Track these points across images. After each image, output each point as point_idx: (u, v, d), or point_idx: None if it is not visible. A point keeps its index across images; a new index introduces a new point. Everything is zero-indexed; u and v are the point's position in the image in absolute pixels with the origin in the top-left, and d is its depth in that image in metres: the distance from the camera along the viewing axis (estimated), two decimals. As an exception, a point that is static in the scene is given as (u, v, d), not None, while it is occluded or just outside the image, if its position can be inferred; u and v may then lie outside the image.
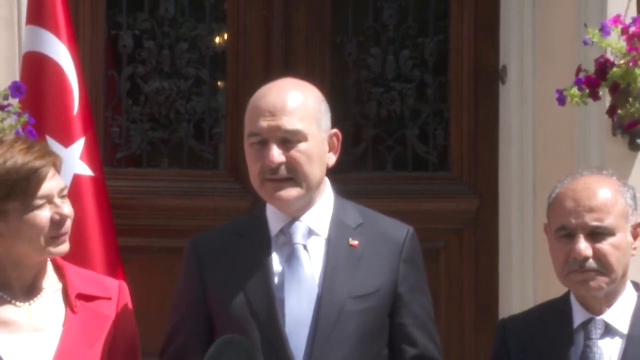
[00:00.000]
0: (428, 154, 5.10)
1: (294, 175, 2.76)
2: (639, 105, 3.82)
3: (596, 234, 2.69)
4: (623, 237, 2.72)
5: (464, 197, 5.04)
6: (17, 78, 4.32)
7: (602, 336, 2.73)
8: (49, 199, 2.70)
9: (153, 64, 5.02)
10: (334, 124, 2.88)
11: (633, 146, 4.15)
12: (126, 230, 4.66)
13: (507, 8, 4.88)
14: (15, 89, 4.01)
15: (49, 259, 2.80)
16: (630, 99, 3.81)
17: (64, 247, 2.75)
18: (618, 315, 2.75)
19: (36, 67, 4.37)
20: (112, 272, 4.22)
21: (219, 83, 5.15)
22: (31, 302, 2.75)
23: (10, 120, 3.97)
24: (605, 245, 2.69)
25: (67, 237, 2.74)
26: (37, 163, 2.69)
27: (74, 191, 4.16)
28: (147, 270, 4.85)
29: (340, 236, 2.82)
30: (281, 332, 2.74)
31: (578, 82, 3.88)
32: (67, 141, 4.35)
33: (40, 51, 4.37)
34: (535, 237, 4.70)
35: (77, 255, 3.51)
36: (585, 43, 3.90)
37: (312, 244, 2.82)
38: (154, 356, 3.01)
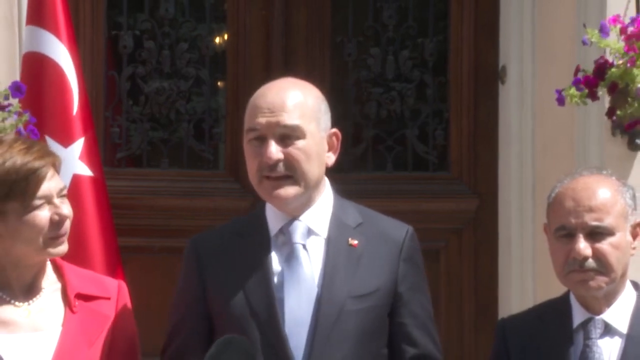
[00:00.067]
0: (428, 154, 5.10)
1: (292, 172, 2.76)
2: (638, 106, 3.82)
3: (596, 234, 2.70)
4: (622, 236, 2.72)
5: (464, 197, 5.05)
6: (18, 78, 4.32)
7: (602, 336, 2.73)
8: (48, 200, 2.70)
9: (153, 64, 5.02)
10: (334, 124, 2.89)
11: (632, 146, 4.15)
12: (126, 230, 4.66)
13: (506, 8, 4.88)
14: (15, 89, 4.01)
15: (48, 259, 2.80)
16: (629, 99, 3.81)
17: (63, 247, 2.75)
18: (617, 314, 2.75)
19: (36, 67, 4.38)
20: (111, 272, 4.22)
21: (219, 83, 5.15)
22: (30, 302, 2.75)
23: (11, 120, 3.97)
24: (604, 245, 2.70)
25: (66, 238, 2.74)
26: (37, 163, 2.69)
27: (74, 191, 4.16)
28: (147, 270, 4.85)
29: (340, 236, 2.83)
30: (281, 332, 2.74)
31: (576, 82, 3.88)
32: (66, 141, 4.35)
33: (40, 51, 4.38)
34: (535, 237, 4.71)
35: (77, 256, 3.51)
36: (584, 43, 3.90)
37: (311, 244, 2.82)
38: (154, 356, 3.01)
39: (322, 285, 2.77)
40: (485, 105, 5.03)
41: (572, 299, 2.79)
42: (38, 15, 4.38)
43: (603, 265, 2.69)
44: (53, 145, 4.24)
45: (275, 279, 2.79)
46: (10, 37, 4.48)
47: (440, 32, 5.12)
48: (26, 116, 4.01)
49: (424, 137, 5.11)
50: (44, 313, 2.75)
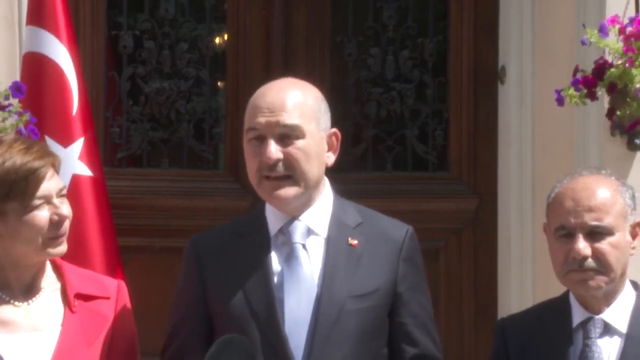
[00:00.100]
0: (427, 154, 5.11)
1: (291, 172, 2.76)
2: (637, 106, 3.82)
3: (595, 234, 2.70)
4: (622, 236, 2.73)
5: (464, 197, 5.05)
6: (18, 78, 4.32)
7: (601, 335, 2.74)
8: (48, 200, 2.70)
9: (153, 64, 5.02)
10: (334, 124, 2.89)
11: (632, 146, 4.16)
12: (126, 230, 4.66)
13: (506, 9, 4.89)
14: (16, 89, 4.01)
15: (47, 259, 2.80)
16: (628, 99, 3.81)
17: (62, 247, 2.75)
18: (617, 314, 2.75)
19: (36, 67, 4.38)
20: (111, 272, 4.22)
21: (219, 83, 5.16)
22: (30, 301, 2.75)
23: (12, 120, 3.98)
24: (604, 245, 2.70)
25: (65, 238, 2.74)
26: (36, 163, 2.69)
27: (73, 191, 4.17)
28: (147, 270, 4.85)
29: (340, 236, 2.83)
30: (281, 332, 2.74)
31: (575, 83, 3.89)
32: (66, 141, 4.35)
33: (40, 52, 4.38)
34: (534, 236, 4.71)
35: (76, 256, 3.51)
36: (583, 43, 3.90)
37: (311, 244, 2.82)
38: (154, 356, 3.02)
39: (322, 285, 2.77)
40: (484, 105, 5.03)
41: (572, 299, 2.80)
42: (38, 16, 4.38)
43: (602, 265, 2.70)
44: (53, 145, 4.24)
45: (275, 279, 2.79)
46: (10, 37, 4.48)
47: (440, 32, 5.12)
48: (27, 116, 4.02)
49: (423, 137, 5.11)
50: (44, 313, 2.75)
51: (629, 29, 3.84)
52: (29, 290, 2.77)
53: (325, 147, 2.84)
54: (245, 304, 2.77)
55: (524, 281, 4.81)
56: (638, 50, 3.81)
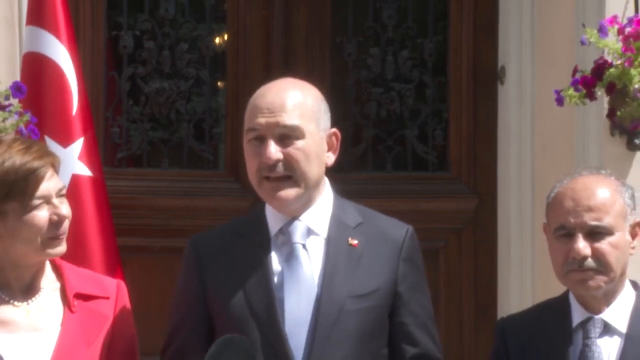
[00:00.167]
0: (427, 154, 5.11)
1: (291, 172, 2.77)
2: (638, 106, 3.82)
3: (595, 234, 2.70)
4: (622, 236, 2.73)
5: (463, 197, 5.05)
6: (18, 78, 4.33)
7: (601, 335, 2.74)
8: (47, 200, 2.70)
9: (153, 64, 5.02)
10: (334, 124, 2.89)
11: (631, 146, 4.16)
12: (126, 230, 4.66)
13: (506, 9, 4.89)
14: (16, 89, 4.01)
15: (47, 259, 2.80)
16: (628, 99, 3.81)
17: (62, 248, 2.75)
18: (617, 314, 2.75)
19: (36, 67, 4.38)
20: (111, 272, 4.22)
21: (219, 83, 5.16)
22: (29, 301, 2.76)
23: (12, 120, 3.98)
24: (604, 245, 2.70)
25: (64, 238, 2.75)
26: (36, 163, 2.69)
27: (73, 191, 4.17)
28: (147, 270, 4.85)
29: (340, 235, 2.83)
30: (281, 332, 2.74)
31: (574, 83, 3.89)
32: (65, 141, 4.35)
33: (40, 52, 4.38)
34: (534, 236, 4.71)
35: (76, 256, 3.52)
36: (582, 43, 3.90)
37: (311, 244, 2.83)
38: (154, 356, 3.02)
39: (322, 285, 2.77)
40: (484, 105, 5.04)
41: (572, 299, 2.80)
42: (38, 16, 4.39)
43: (602, 265, 2.70)
44: (52, 145, 4.24)
45: (275, 279, 2.79)
46: (10, 37, 4.48)
47: (439, 32, 5.12)
48: (27, 116, 4.02)
49: (423, 137, 5.11)
50: (43, 313, 2.76)
51: (627, 29, 3.84)
52: (28, 290, 2.77)
53: (325, 147, 2.84)
54: (246, 304, 2.77)
55: (523, 281, 4.81)
56: (637, 50, 3.81)
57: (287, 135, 2.76)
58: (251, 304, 2.77)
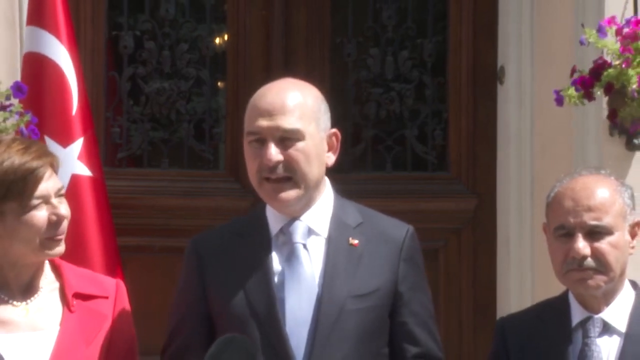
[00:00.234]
0: (427, 154, 5.11)
1: (292, 174, 2.77)
2: (637, 106, 3.83)
3: (594, 233, 2.71)
4: (621, 236, 2.73)
5: (463, 197, 5.05)
6: (19, 78, 4.33)
7: (601, 334, 2.74)
8: (46, 200, 2.71)
9: (154, 64, 5.03)
10: (334, 124, 2.89)
11: (630, 146, 4.17)
12: (126, 230, 4.67)
13: (505, 9, 4.89)
14: (17, 89, 4.02)
15: (46, 259, 2.81)
16: (627, 100, 3.81)
17: (60, 248, 2.75)
18: (616, 313, 2.76)
19: (36, 67, 4.38)
20: (111, 272, 4.22)
21: (219, 83, 5.16)
22: (28, 301, 2.76)
23: (12, 120, 3.98)
24: (603, 244, 2.71)
25: (63, 238, 2.74)
26: (35, 163, 2.69)
27: (72, 191, 4.18)
28: (147, 270, 4.86)
29: (340, 235, 2.83)
30: (281, 332, 2.74)
31: (574, 83, 3.89)
32: (65, 141, 4.36)
33: (40, 52, 4.39)
34: (533, 236, 4.72)
35: (76, 256, 3.53)
36: (581, 43, 3.90)
37: (312, 244, 2.83)
38: (154, 356, 3.02)
39: (322, 284, 2.77)
40: (484, 105, 5.04)
41: (571, 298, 2.80)
42: (38, 16, 4.39)
43: (602, 264, 2.70)
44: (52, 145, 4.25)
45: (276, 279, 2.79)
46: (11, 37, 4.49)
47: (439, 32, 5.13)
48: (28, 116, 4.02)
49: (423, 137, 5.12)
50: (42, 312, 2.76)
51: (625, 30, 3.84)
52: (27, 289, 2.77)
53: (326, 148, 2.84)
54: (246, 304, 2.78)
55: (523, 281, 4.82)
56: (635, 50, 3.81)
57: (287, 138, 2.76)
58: (252, 304, 2.77)
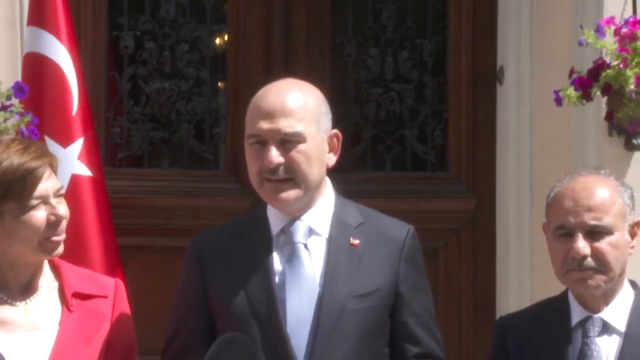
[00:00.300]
0: (427, 154, 5.12)
1: (292, 175, 2.77)
2: (635, 106, 3.82)
3: (594, 233, 2.71)
4: (621, 236, 2.74)
5: (462, 197, 5.06)
6: (19, 78, 4.33)
7: (600, 334, 2.75)
8: (45, 200, 2.71)
9: (154, 64, 5.03)
10: (334, 125, 2.89)
11: (629, 146, 4.17)
12: (127, 230, 4.67)
13: (505, 9, 4.90)
14: (18, 89, 4.02)
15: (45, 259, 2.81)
16: (624, 100, 3.81)
17: (59, 249, 2.75)
18: (616, 313, 2.76)
19: (36, 68, 4.39)
20: (111, 272, 4.22)
21: (219, 84, 5.17)
22: (27, 301, 2.76)
23: (13, 120, 3.98)
24: (603, 244, 2.71)
25: (62, 238, 2.74)
26: (34, 164, 2.70)
27: (72, 191, 4.19)
28: (147, 270, 4.86)
29: (341, 235, 2.83)
30: (282, 332, 2.75)
31: (573, 83, 3.89)
32: (65, 141, 4.36)
33: (41, 52, 4.39)
34: (533, 236, 4.72)
35: (76, 256, 3.53)
36: (580, 44, 3.90)
37: (312, 243, 2.83)
38: (155, 356, 3.02)
39: (323, 284, 2.78)
40: (483, 105, 5.04)
41: (571, 298, 2.81)
42: (39, 16, 4.39)
43: (602, 264, 2.71)
44: (52, 145, 4.25)
45: (277, 279, 2.79)
46: (12, 38, 4.49)
47: (438, 33, 5.13)
48: (28, 117, 4.02)
49: (422, 138, 5.12)
50: (42, 312, 2.76)
51: (623, 30, 3.84)
52: (26, 289, 2.77)
53: (326, 149, 2.84)
54: (247, 304, 2.78)
55: (522, 280, 4.82)
56: (632, 51, 3.81)
57: (288, 140, 2.76)
58: (253, 304, 2.77)
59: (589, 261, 2.71)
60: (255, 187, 2.84)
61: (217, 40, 5.15)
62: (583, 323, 2.77)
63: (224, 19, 5.12)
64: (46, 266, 2.82)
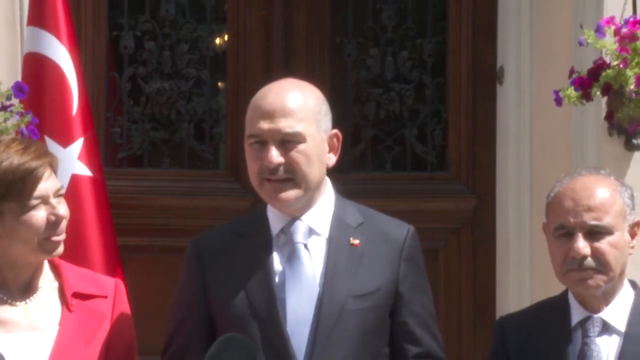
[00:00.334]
0: (427, 154, 5.12)
1: (292, 175, 2.77)
2: (634, 106, 3.83)
3: (594, 233, 2.71)
4: (621, 236, 2.74)
5: (462, 197, 5.06)
6: (19, 78, 4.34)
7: (600, 334, 2.75)
8: (45, 200, 2.71)
9: (154, 64, 5.03)
10: (333, 125, 2.89)
11: (629, 146, 4.17)
12: (127, 229, 4.67)
13: (505, 9, 4.90)
14: (18, 89, 4.02)
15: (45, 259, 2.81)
16: (625, 100, 3.81)
17: (59, 249, 2.75)
18: (616, 313, 2.77)
19: (36, 68, 4.39)
20: (111, 272, 4.22)
21: (219, 84, 5.17)
22: (27, 301, 2.76)
23: (13, 120, 3.99)
24: (603, 244, 2.71)
25: (62, 238, 2.74)
26: (34, 164, 2.70)
27: (72, 191, 4.19)
28: (147, 270, 4.86)
29: (341, 235, 2.83)
30: (282, 332, 2.75)
31: (573, 83, 3.89)
32: (65, 141, 4.36)
33: (41, 52, 4.39)
34: (533, 236, 4.72)
35: (76, 256, 3.54)
36: (580, 44, 3.90)
37: (313, 243, 2.83)
38: (155, 356, 3.02)
39: (323, 284, 2.78)
40: (483, 105, 5.05)
41: (571, 298, 2.81)
42: (39, 16, 4.40)
43: (602, 264, 2.71)
44: (52, 145, 4.25)
45: (277, 279, 2.79)
46: (12, 38, 4.49)
47: (438, 33, 5.14)
48: (28, 117, 4.02)
49: (422, 138, 5.12)
50: (42, 312, 2.76)
51: (623, 30, 3.85)
52: (26, 289, 2.77)
53: (326, 149, 2.84)
54: (247, 304, 2.78)
55: (522, 280, 4.82)
56: (632, 51, 3.81)
57: (288, 140, 2.76)
58: (253, 304, 2.78)
59: (589, 261, 2.71)
60: (255, 187, 2.84)
61: (217, 40, 5.15)
62: (583, 323, 2.77)
63: (224, 19, 5.13)
64: (46, 266, 2.82)
